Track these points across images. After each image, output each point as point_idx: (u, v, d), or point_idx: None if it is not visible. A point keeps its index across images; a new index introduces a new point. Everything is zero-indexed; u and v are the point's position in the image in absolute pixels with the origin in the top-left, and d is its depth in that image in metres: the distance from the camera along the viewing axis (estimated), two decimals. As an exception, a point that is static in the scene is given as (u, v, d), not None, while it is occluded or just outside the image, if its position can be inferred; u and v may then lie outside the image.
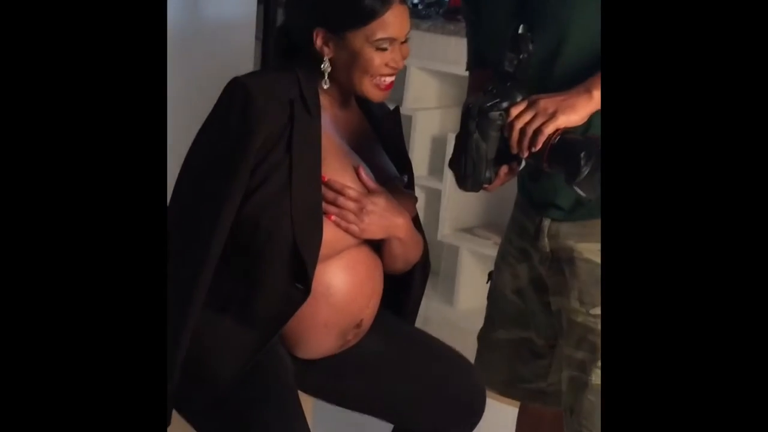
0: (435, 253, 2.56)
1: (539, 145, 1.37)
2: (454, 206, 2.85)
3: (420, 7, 2.80)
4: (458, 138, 1.45)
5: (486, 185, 1.45)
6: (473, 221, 2.93)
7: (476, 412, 1.63)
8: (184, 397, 1.45)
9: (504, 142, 1.42)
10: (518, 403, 1.82)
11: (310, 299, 1.45)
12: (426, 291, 1.75)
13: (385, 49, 1.46)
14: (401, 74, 2.06)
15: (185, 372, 1.44)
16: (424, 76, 2.83)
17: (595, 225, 1.50)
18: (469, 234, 2.87)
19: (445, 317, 2.72)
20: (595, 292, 1.52)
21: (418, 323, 1.74)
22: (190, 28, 2.49)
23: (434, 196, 2.83)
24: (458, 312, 2.78)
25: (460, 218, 2.90)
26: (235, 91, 1.45)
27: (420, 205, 2.32)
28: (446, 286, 2.89)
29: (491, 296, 1.75)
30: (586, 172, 1.35)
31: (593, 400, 1.53)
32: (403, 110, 2.25)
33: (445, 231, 2.85)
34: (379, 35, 1.45)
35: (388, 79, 1.49)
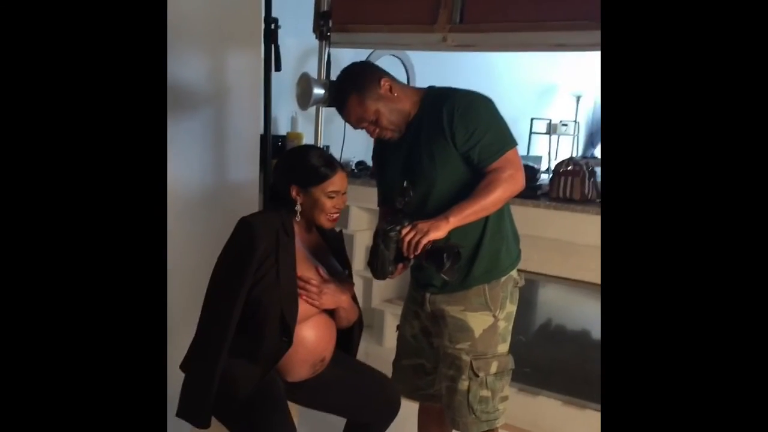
0: (370, 314, 3.14)
1: (419, 251, 1.53)
2: (379, 287, 3.24)
3: (355, 170, 3.25)
4: (371, 248, 1.61)
5: (390, 275, 1.62)
6: (391, 295, 3.31)
7: (395, 409, 1.85)
8: (217, 406, 1.60)
9: (399, 249, 1.57)
10: (418, 403, 2.01)
11: (292, 346, 1.62)
12: (363, 337, 1.89)
13: (333, 197, 1.67)
14: (346, 209, 2.33)
15: (219, 392, 1.58)
16: (360, 211, 3.14)
17: (457, 295, 1.70)
18: (390, 303, 3.24)
19: (376, 353, 2.99)
20: (459, 335, 1.69)
21: (359, 357, 1.92)
22: (219, 187, 2.71)
23: (368, 282, 3.19)
24: (384, 349, 3.06)
25: (384, 294, 3.29)
26: (243, 225, 1.65)
27: (359, 287, 2.64)
28: (377, 334, 3.22)
29: (399, 339, 1.96)
30: (448, 266, 1.51)
31: (461, 400, 1.71)
32: (347, 231, 2.98)
33: (376, 301, 3.25)
34: (330, 189, 1.66)
35: (335, 215, 1.69)
